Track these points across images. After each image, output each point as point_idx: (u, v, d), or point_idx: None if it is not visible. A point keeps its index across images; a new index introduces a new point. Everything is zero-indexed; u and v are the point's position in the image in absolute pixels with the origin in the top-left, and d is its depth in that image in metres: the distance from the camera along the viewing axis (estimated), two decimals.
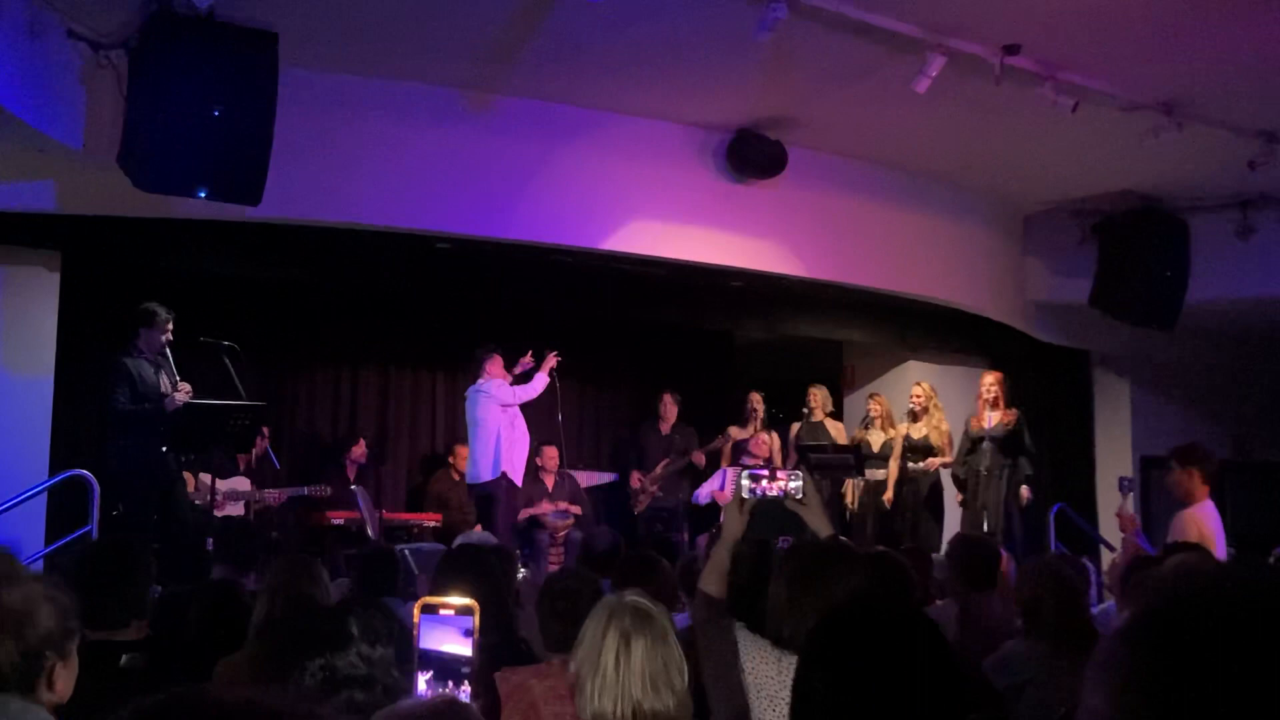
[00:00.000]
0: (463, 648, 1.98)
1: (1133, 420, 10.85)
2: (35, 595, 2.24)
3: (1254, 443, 10.99)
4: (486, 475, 8.39)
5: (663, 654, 2.54)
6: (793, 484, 3.43)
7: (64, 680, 2.28)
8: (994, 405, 8.63)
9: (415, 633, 1.98)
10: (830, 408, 9.76)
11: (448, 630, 1.99)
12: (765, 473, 3.48)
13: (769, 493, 3.41)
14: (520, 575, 5.88)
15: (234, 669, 3.38)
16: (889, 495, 9.04)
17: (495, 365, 8.60)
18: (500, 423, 8.43)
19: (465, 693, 1.95)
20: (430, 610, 1.99)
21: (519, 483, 8.62)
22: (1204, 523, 5.65)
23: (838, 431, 9.64)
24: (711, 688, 2.91)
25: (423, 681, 1.97)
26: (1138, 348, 10.08)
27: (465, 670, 1.98)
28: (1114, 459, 10.71)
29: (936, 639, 1.80)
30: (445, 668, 1.96)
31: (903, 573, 4.28)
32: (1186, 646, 0.86)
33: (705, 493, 9.55)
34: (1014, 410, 8.59)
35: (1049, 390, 10.39)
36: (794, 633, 2.86)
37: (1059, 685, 3.52)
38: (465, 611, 1.98)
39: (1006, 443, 8.54)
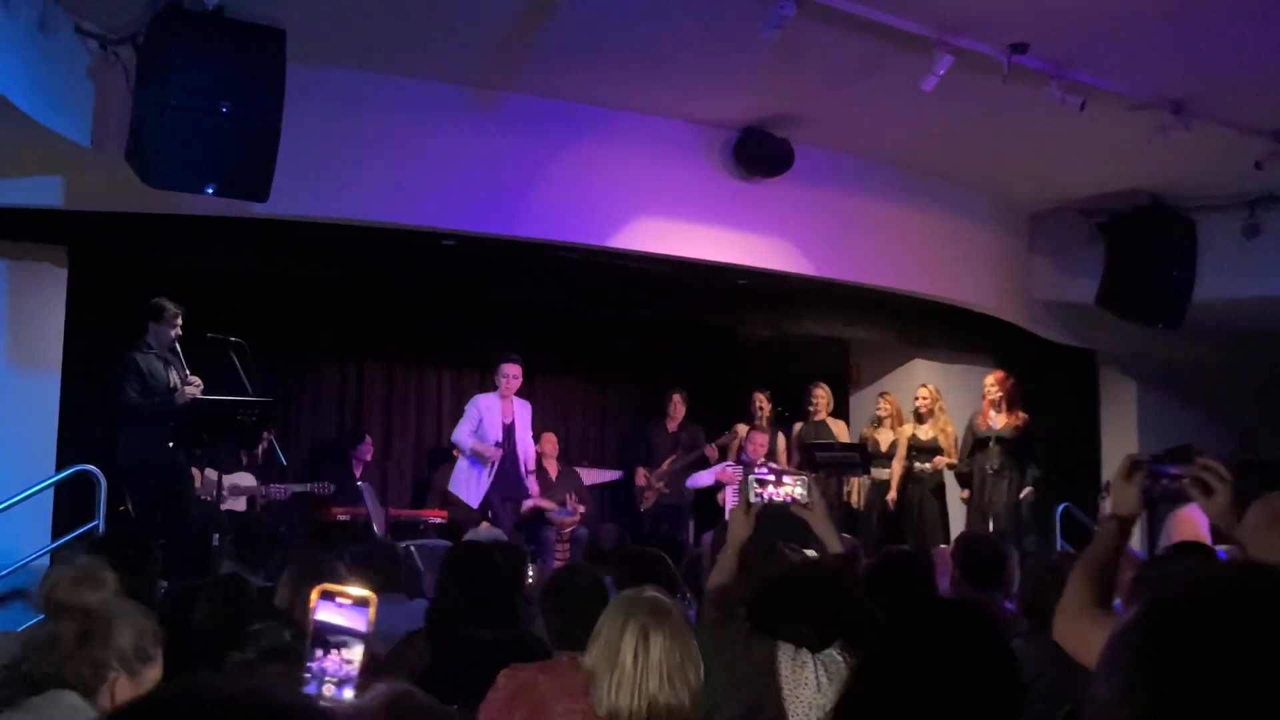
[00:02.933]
0: (357, 626, 1.96)
1: (1139, 419, 10.80)
2: (116, 610, 2.37)
3: (1261, 441, 10.95)
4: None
5: (680, 649, 2.54)
6: (798, 490, 3.44)
7: (128, 696, 2.32)
8: (998, 405, 8.61)
9: (311, 614, 1.97)
10: (833, 407, 9.75)
11: (344, 614, 1.97)
12: (771, 478, 3.48)
13: (775, 498, 3.41)
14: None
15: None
16: (892, 495, 9.03)
17: (502, 378, 8.36)
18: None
19: (352, 670, 1.92)
20: (328, 596, 1.98)
21: (474, 505, 8.22)
22: (1199, 523, 5.65)
23: (840, 430, 9.63)
24: (721, 684, 2.91)
25: (318, 655, 1.95)
26: (1145, 347, 10.04)
27: (356, 644, 1.95)
28: (1120, 458, 10.62)
29: (999, 641, 1.80)
30: (336, 641, 1.94)
31: (912, 568, 4.27)
32: (1193, 639, 0.86)
33: (706, 476, 9.44)
34: (1023, 415, 8.57)
35: (1055, 389, 10.35)
36: (798, 631, 2.86)
37: (1062, 683, 3.51)
38: (362, 603, 1.97)
39: (1016, 445, 8.52)
